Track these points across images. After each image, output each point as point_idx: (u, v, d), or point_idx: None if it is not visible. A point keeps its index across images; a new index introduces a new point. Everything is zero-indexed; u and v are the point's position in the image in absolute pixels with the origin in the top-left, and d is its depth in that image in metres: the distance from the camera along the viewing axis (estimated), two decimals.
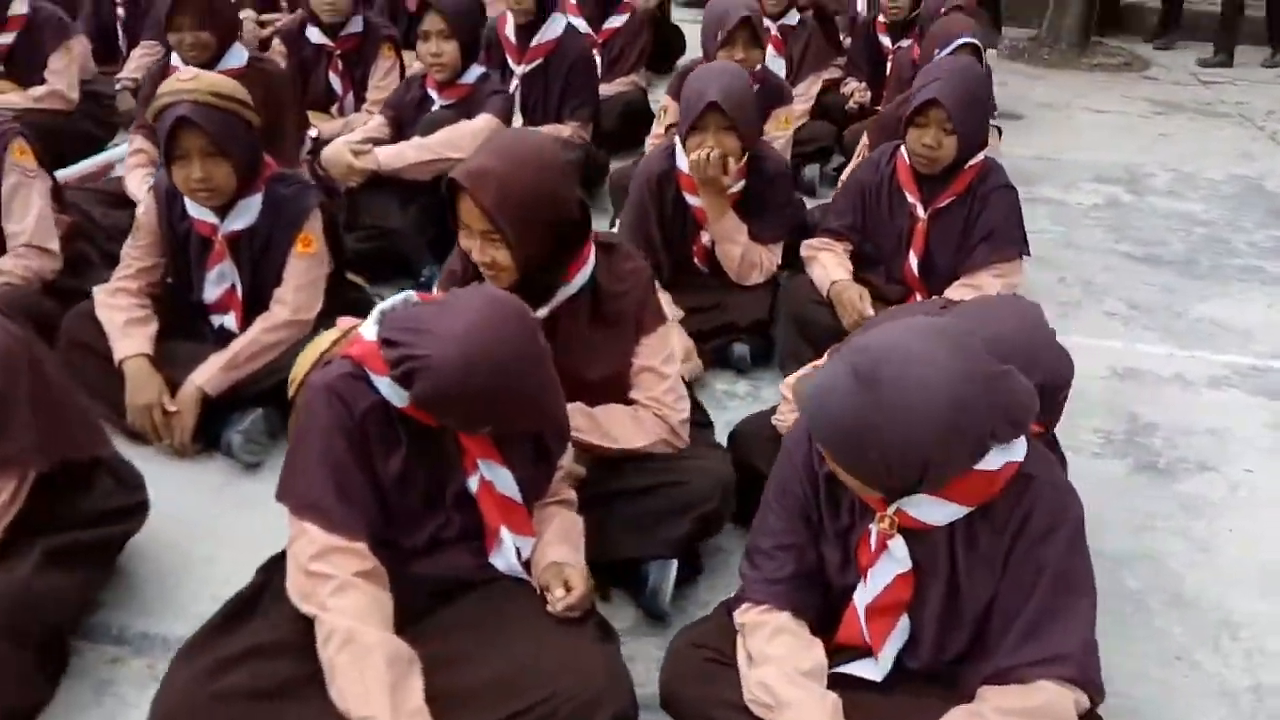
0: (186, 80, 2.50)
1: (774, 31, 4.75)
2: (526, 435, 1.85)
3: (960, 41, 3.61)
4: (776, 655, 1.63)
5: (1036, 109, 6.21)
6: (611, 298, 2.22)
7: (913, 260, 3.09)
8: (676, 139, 3.10)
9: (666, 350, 2.28)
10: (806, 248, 3.18)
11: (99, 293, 2.68)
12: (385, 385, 1.71)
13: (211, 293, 2.74)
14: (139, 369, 2.56)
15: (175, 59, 3.57)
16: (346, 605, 1.61)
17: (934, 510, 1.56)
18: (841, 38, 5.61)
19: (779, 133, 3.92)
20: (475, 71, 3.67)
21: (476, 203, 1.96)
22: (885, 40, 5.07)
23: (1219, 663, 2.13)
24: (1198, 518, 2.58)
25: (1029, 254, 3.12)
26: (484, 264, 2.04)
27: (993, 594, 1.59)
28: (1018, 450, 1.56)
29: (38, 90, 4.24)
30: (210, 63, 3.51)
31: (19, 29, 4.30)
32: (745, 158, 3.05)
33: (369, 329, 1.75)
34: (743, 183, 3.10)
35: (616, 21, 4.93)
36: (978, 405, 1.43)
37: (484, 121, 3.48)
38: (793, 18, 4.79)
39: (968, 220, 3.03)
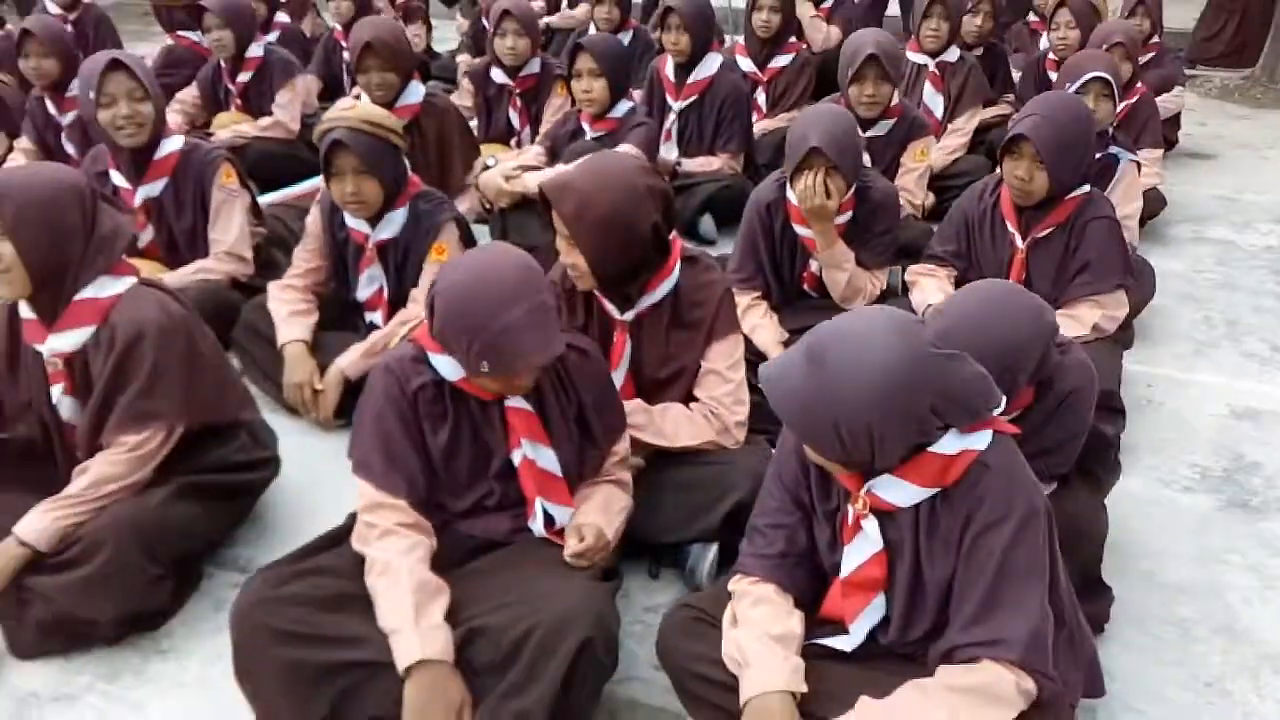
0: (344, 110, 2.93)
1: (932, 68, 4.84)
2: (569, 416, 2.11)
3: (1088, 77, 3.61)
4: (754, 619, 1.80)
5: (1232, 149, 5.95)
6: (690, 306, 2.47)
7: None
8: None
9: (734, 358, 2.50)
10: (911, 272, 3.31)
11: (272, 287, 3.16)
12: (439, 361, 2.01)
13: (364, 293, 3.17)
14: (295, 353, 3.00)
15: (365, 97, 4.10)
16: (388, 546, 1.92)
17: (897, 491, 1.70)
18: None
19: (915, 164, 4.04)
20: (624, 106, 4.01)
21: (558, 211, 2.26)
22: (1054, 77, 5.04)
23: (1251, 693, 2.11)
24: (1276, 556, 2.52)
25: (1131, 284, 3.11)
26: (568, 265, 2.35)
27: (951, 576, 1.71)
28: (978, 440, 1.68)
29: (265, 121, 4.89)
30: (392, 100, 4.02)
31: (254, 69, 5.00)
32: (852, 190, 3.21)
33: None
34: (850, 213, 3.25)
35: (782, 61, 5.14)
36: (912, 380, 1.58)
37: (622, 150, 3.80)
38: (952, 54, 4.85)
39: (1066, 250, 3.07)
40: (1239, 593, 2.39)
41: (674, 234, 2.47)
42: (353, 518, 2.12)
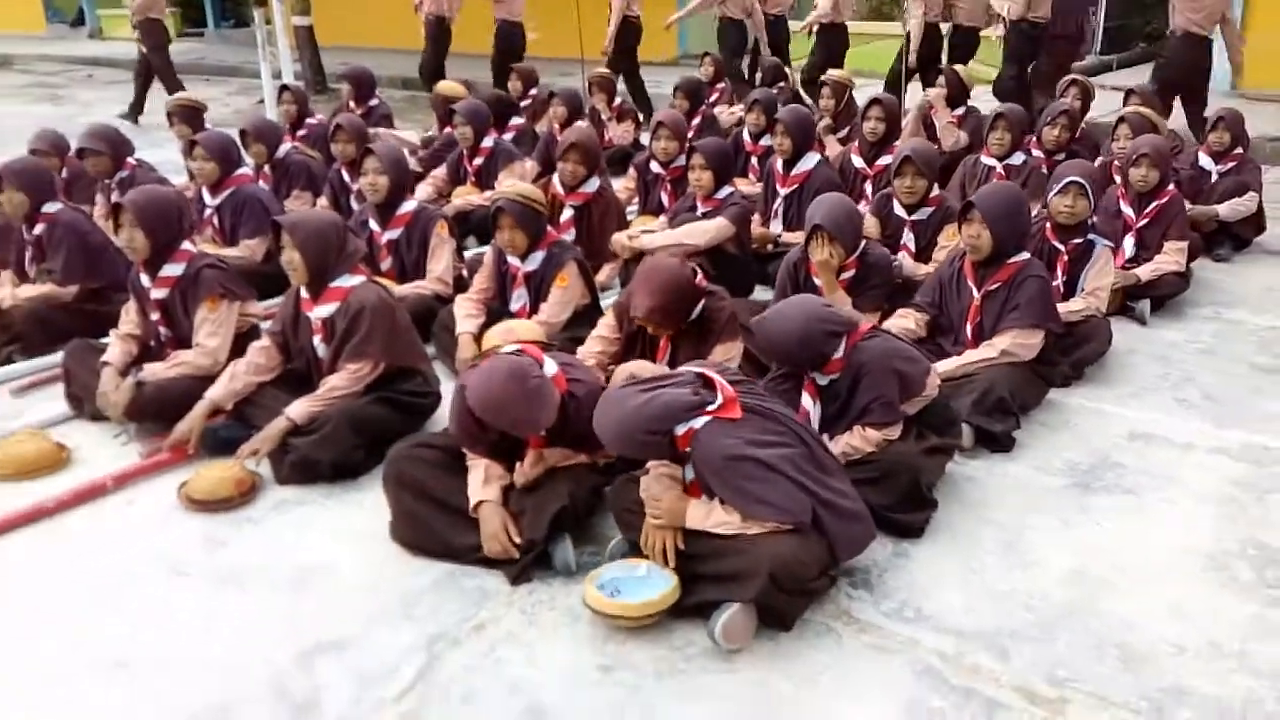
0: (507, 187, 4.54)
1: (998, 169, 5.98)
2: (566, 437, 3.37)
3: (1067, 180, 4.68)
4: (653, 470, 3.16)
5: None
6: (707, 322, 3.86)
7: (968, 328, 4.31)
8: None
9: (729, 355, 3.85)
10: (895, 314, 4.51)
11: (458, 299, 4.80)
12: None
13: (514, 306, 4.74)
14: (465, 340, 4.58)
15: (556, 180, 5.74)
16: (478, 459, 3.38)
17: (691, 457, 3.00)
18: None
19: (947, 242, 5.19)
20: (725, 190, 5.45)
21: (653, 324, 3.73)
22: (1117, 179, 6.00)
23: (998, 578, 3.19)
24: (1084, 513, 3.55)
25: (1054, 328, 4.19)
26: (656, 334, 3.81)
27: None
28: (696, 422, 2.88)
29: (489, 193, 6.65)
30: (577, 185, 5.62)
31: (485, 156, 6.83)
32: (857, 253, 4.47)
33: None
34: (853, 271, 4.51)
35: (886, 160, 6.38)
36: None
37: (715, 222, 5.26)
38: (1017, 158, 5.98)
39: (1006, 300, 4.21)
40: (1037, 531, 3.45)
41: (700, 276, 3.86)
42: None
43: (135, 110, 11.87)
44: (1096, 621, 2.98)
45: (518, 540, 3.20)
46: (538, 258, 4.63)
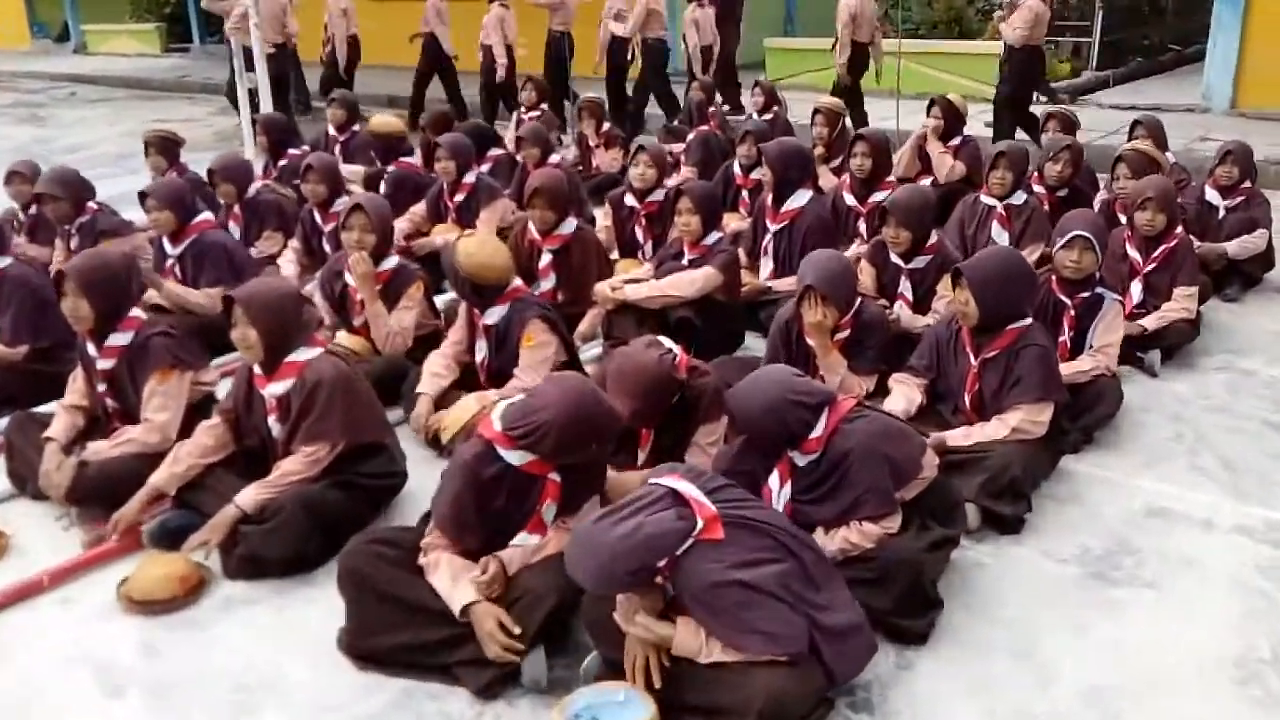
0: (459, 247, 4.27)
1: (999, 209, 5.73)
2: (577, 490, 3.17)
3: (1072, 234, 4.42)
4: None
5: None
6: (690, 405, 3.56)
7: (966, 397, 4.04)
8: None
9: (714, 436, 3.58)
10: (892, 380, 4.24)
11: (431, 355, 4.52)
12: (510, 455, 3.06)
13: (478, 358, 4.45)
14: (423, 402, 4.32)
15: (532, 227, 5.47)
16: (436, 554, 3.07)
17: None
18: None
19: (945, 290, 4.92)
20: (714, 236, 5.17)
21: (636, 424, 3.47)
22: (1122, 218, 5.74)
23: (1011, 690, 2.93)
24: (1101, 612, 3.27)
25: (1060, 399, 3.92)
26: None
27: None
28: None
29: (469, 232, 6.35)
30: (549, 230, 5.35)
31: (467, 192, 6.56)
32: (852, 312, 4.21)
33: (496, 421, 3.09)
34: (848, 331, 4.24)
35: (878, 196, 6.10)
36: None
37: (702, 272, 4.99)
38: (1018, 198, 5.73)
39: (1007, 369, 3.93)
40: (1051, 635, 3.16)
41: (680, 355, 3.56)
42: (426, 516, 3.29)
43: None
44: None
45: (517, 633, 2.91)
46: (497, 312, 4.36)
